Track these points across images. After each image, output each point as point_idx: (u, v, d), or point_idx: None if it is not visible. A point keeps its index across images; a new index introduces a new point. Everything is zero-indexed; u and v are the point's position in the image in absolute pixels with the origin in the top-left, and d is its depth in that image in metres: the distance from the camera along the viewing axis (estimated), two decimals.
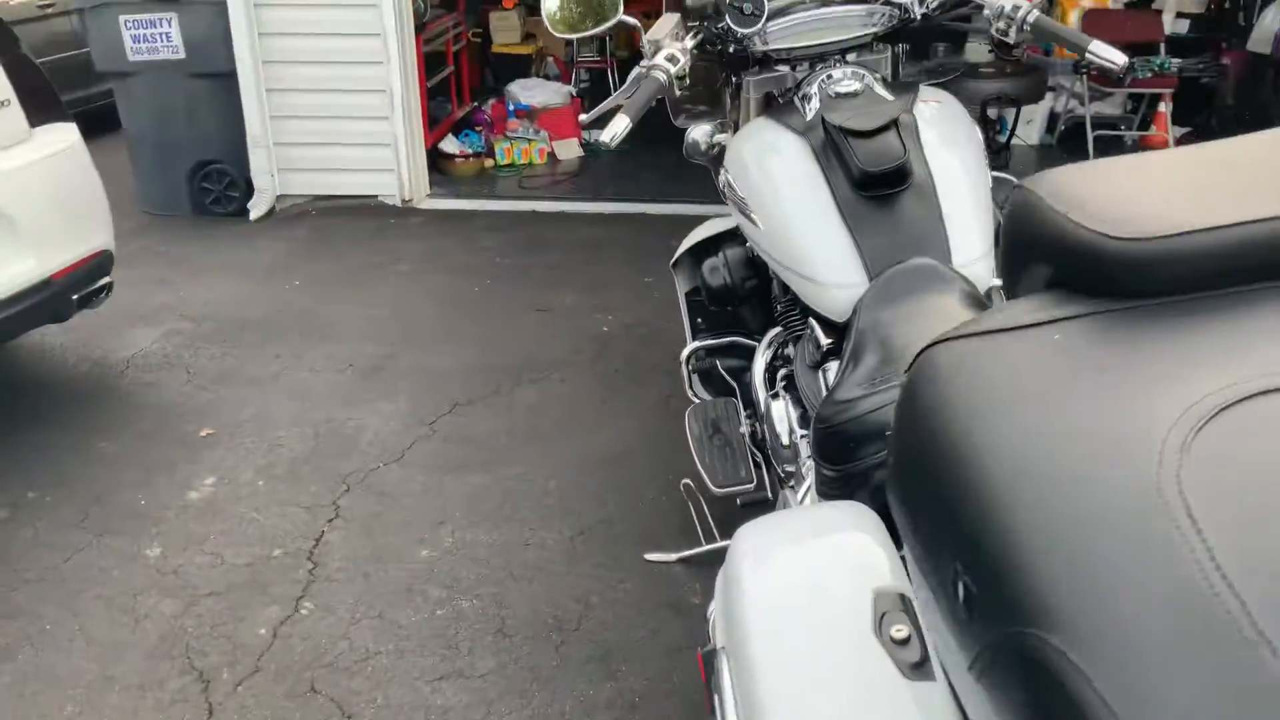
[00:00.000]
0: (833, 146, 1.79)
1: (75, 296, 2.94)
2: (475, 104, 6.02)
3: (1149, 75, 5.58)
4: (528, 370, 3.24)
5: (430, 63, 5.57)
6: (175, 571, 2.33)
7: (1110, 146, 5.96)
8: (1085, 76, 5.71)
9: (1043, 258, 0.74)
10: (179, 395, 3.13)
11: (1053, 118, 6.12)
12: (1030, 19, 1.93)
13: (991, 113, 5.83)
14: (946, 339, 0.74)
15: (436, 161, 5.39)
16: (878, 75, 1.99)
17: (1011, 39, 1.99)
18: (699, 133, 2.34)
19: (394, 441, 2.85)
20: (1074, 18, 5.92)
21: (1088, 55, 1.87)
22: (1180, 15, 6.12)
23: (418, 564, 2.34)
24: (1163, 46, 5.79)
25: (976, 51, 7.83)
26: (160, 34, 4.91)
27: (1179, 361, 0.64)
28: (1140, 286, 0.68)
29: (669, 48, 2.01)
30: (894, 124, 1.77)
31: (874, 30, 2.07)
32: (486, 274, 4.10)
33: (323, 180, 4.92)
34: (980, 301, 1.58)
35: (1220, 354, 0.63)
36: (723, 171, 2.04)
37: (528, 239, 4.55)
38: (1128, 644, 0.54)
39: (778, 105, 2.08)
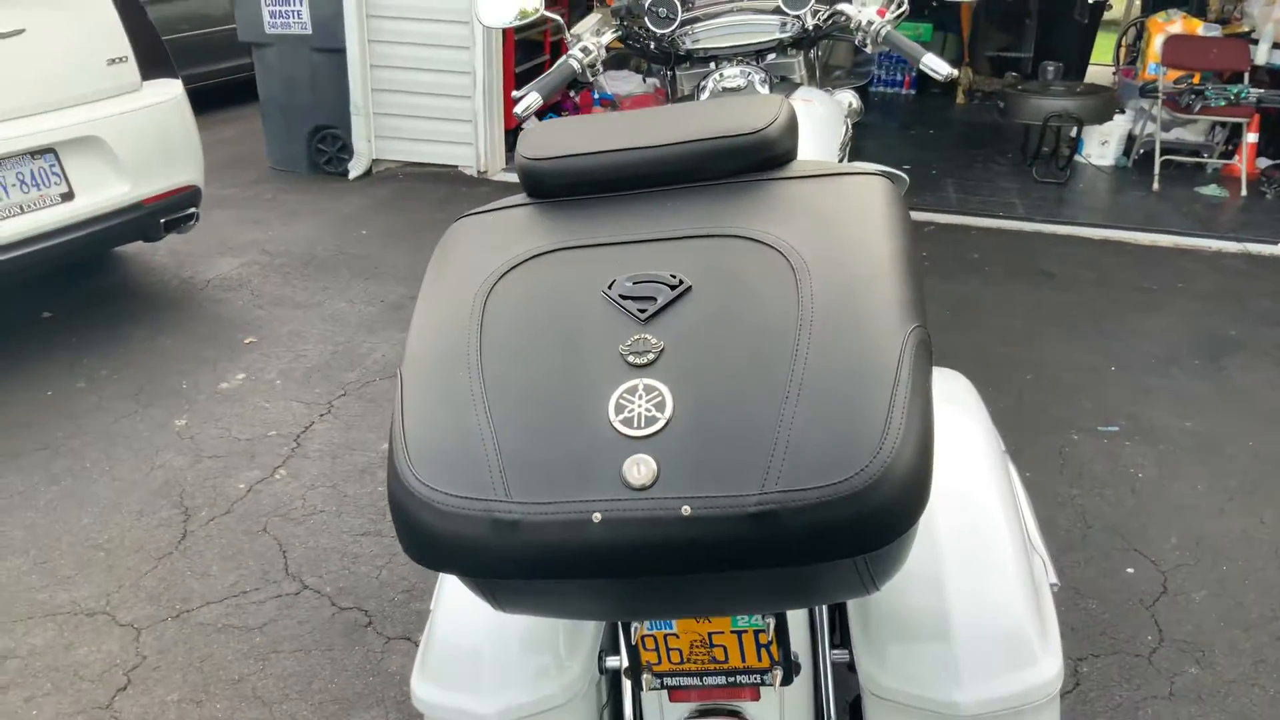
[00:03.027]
0: None
1: (163, 220, 3.59)
2: (568, 91, 6.54)
3: (1222, 104, 5.55)
4: None
5: (527, 49, 6.13)
6: (191, 438, 2.92)
7: (1190, 173, 5.95)
8: (1160, 101, 5.73)
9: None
10: (238, 310, 3.76)
11: (1131, 140, 6.14)
12: (883, 33, 2.25)
13: (1072, 131, 5.92)
14: (467, 215, 1.16)
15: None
16: (763, 76, 2.33)
17: (869, 49, 2.32)
18: None
19: (394, 363, 3.37)
20: (1157, 43, 5.93)
21: (920, 66, 2.17)
22: (1278, 46, 6.02)
23: (378, 454, 2.85)
24: (1246, 75, 5.74)
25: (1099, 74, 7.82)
26: (292, 11, 5.62)
27: (532, 233, 1.04)
28: (542, 189, 1.08)
29: (586, 40, 2.43)
30: None
31: (779, 37, 2.41)
32: None
33: (413, 148, 5.54)
34: None
35: (551, 230, 1.03)
36: None
37: None
38: (418, 370, 0.95)
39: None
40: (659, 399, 0.86)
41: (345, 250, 4.42)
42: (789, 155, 1.07)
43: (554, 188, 1.08)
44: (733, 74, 2.35)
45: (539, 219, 1.07)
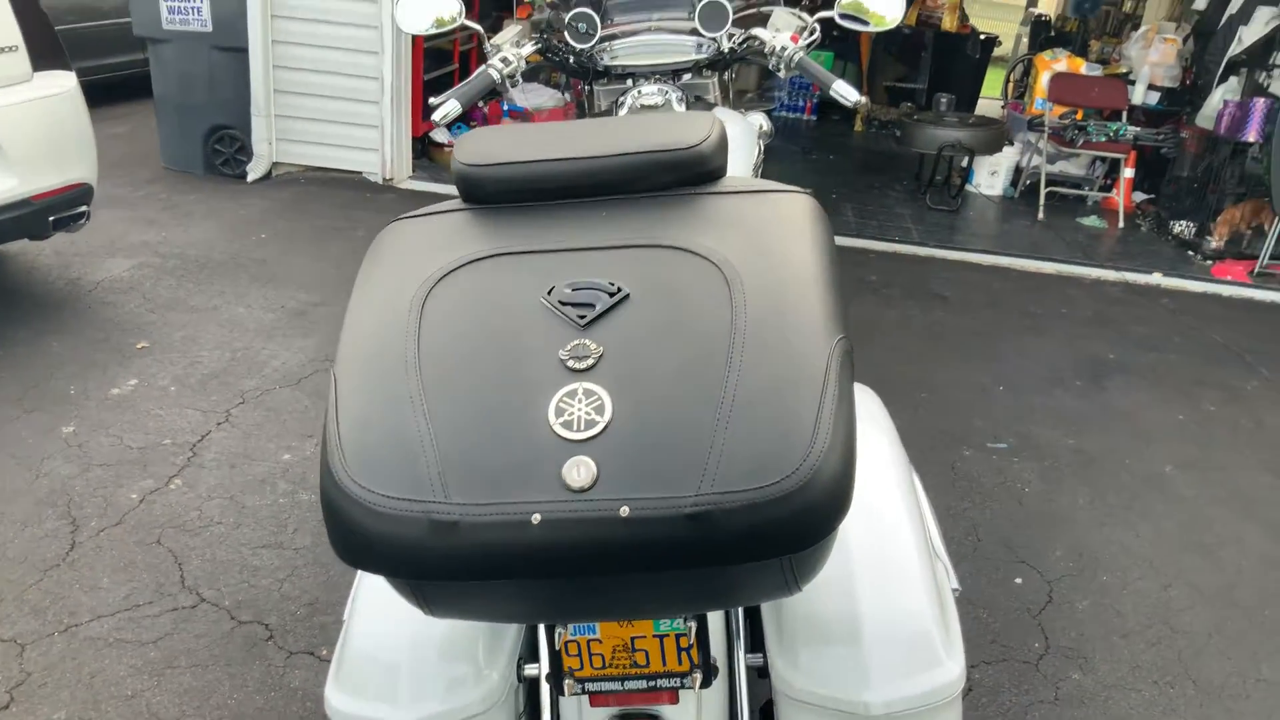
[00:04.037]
0: None
1: (52, 218, 3.43)
2: (478, 102, 6.50)
3: (1102, 139, 5.88)
4: None
5: (436, 58, 6.09)
6: (80, 445, 2.80)
7: (1072, 204, 6.27)
8: (1046, 135, 6.03)
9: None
10: (129, 314, 3.62)
11: (1018, 172, 6.43)
12: (795, 58, 2.32)
13: (964, 161, 6.18)
14: (402, 218, 1.15)
15: (428, 149, 5.87)
16: (680, 95, 2.37)
17: (782, 74, 2.39)
18: None
19: (296, 371, 3.30)
20: (1044, 80, 6.25)
21: (830, 92, 2.25)
22: (1153, 87, 6.42)
23: (278, 464, 2.78)
24: (1124, 114, 6.09)
25: (987, 109, 8.16)
26: (192, 7, 5.45)
27: (469, 238, 1.04)
28: (479, 195, 1.09)
29: (506, 51, 2.44)
30: None
31: (696, 58, 2.46)
32: None
33: (316, 153, 5.43)
34: None
35: (488, 236, 1.04)
36: None
37: None
38: (353, 371, 0.95)
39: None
40: (598, 403, 0.88)
41: (243, 254, 4.29)
42: (720, 171, 1.11)
43: (492, 194, 1.09)
44: (651, 91, 2.39)
45: (476, 225, 1.07)
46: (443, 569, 0.87)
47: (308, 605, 2.26)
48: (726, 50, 2.43)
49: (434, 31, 2.43)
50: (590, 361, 0.90)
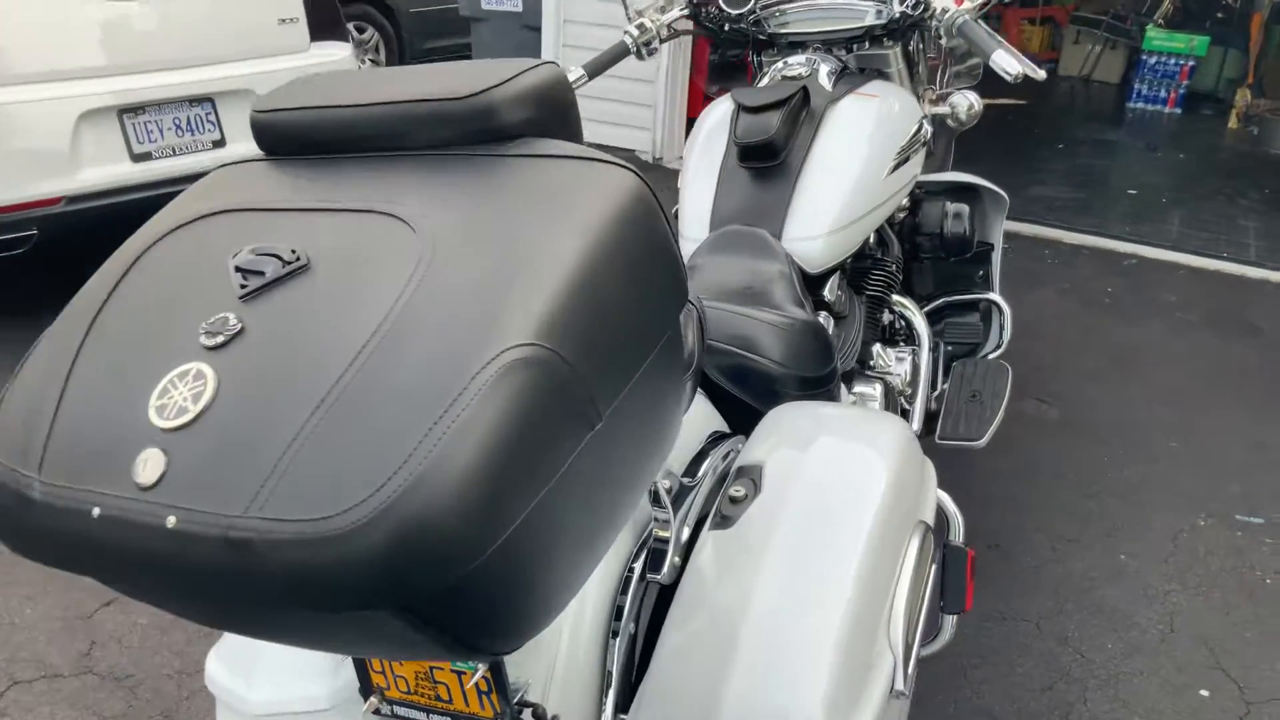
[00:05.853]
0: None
1: None
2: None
3: None
4: None
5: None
6: None
7: None
8: None
9: None
10: None
11: None
12: (958, 23, 1.98)
13: None
14: (225, 164, 1.07)
15: None
16: (833, 66, 2.11)
17: (944, 41, 2.05)
18: None
19: None
20: None
21: (990, 63, 1.88)
22: None
23: None
24: None
25: None
26: None
27: (227, 191, 0.93)
28: (262, 143, 0.97)
29: (645, 18, 2.31)
30: (780, 105, 1.92)
31: (868, 25, 2.18)
32: None
33: (594, 129, 5.54)
34: (783, 270, 1.72)
35: (238, 189, 0.92)
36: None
37: None
38: (56, 325, 0.88)
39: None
40: (201, 389, 0.74)
41: None
42: (522, 129, 0.90)
43: (271, 143, 0.97)
44: (796, 62, 2.14)
45: (244, 177, 0.97)
46: (30, 548, 0.79)
47: None
48: (898, 14, 2.12)
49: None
50: (221, 339, 0.77)
